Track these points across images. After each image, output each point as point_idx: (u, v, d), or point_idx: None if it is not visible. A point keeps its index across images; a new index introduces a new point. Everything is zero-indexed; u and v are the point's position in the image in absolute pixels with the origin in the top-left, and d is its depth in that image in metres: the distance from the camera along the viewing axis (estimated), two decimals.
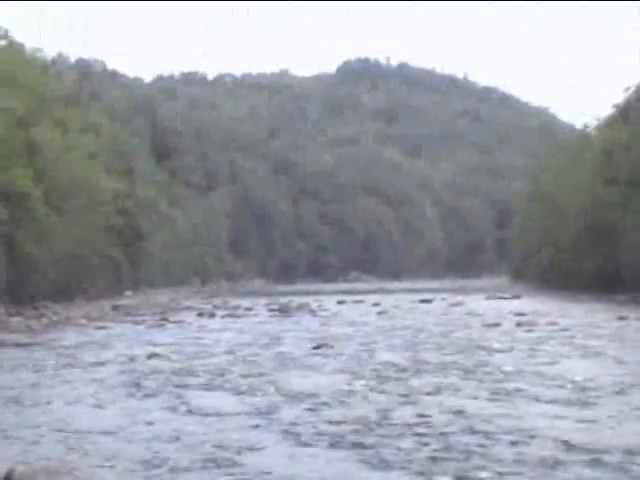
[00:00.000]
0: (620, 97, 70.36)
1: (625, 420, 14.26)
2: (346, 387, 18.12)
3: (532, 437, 12.72)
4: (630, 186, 58.83)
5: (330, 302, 61.74)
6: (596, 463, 11.11)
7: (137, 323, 42.30)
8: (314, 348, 27.03)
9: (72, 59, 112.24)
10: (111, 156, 76.55)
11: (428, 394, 17.06)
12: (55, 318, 44.12)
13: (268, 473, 10.64)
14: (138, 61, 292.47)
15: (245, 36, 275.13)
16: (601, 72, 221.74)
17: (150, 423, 14.19)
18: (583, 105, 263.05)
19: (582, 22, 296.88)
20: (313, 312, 49.75)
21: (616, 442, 12.33)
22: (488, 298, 67.73)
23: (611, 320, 39.36)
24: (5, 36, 59.10)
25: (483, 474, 10.48)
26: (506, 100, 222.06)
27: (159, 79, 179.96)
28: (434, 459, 11.34)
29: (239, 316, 47.10)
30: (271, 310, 51.78)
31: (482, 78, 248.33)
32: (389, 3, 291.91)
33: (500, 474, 10.49)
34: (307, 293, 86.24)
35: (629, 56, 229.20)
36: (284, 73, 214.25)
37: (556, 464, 11.06)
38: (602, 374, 19.99)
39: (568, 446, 12.07)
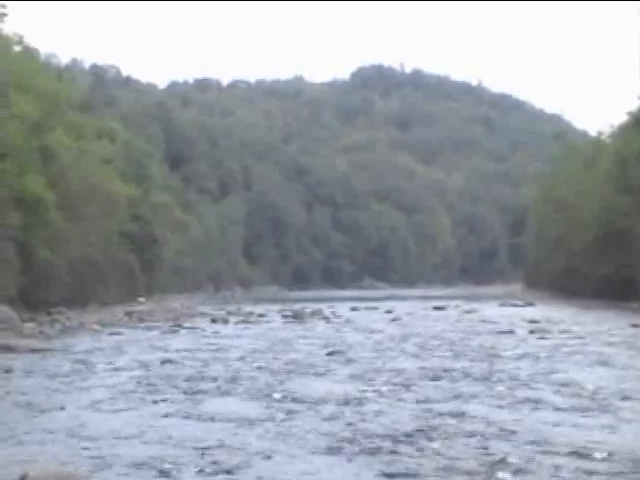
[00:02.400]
0: (634, 104, 70.22)
1: (637, 425, 14.24)
2: (359, 394, 18.11)
3: (548, 443, 12.70)
4: None
5: (343, 309, 61.71)
6: (612, 470, 11.09)
7: (150, 329, 42.34)
8: (327, 355, 27.02)
9: (86, 65, 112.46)
10: (125, 162, 76.72)
11: (441, 401, 17.03)
12: (68, 324, 44.22)
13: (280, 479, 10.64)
14: (152, 67, 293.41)
15: (259, 42, 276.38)
16: (616, 79, 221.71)
17: (163, 428, 14.20)
18: (597, 112, 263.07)
19: (597, 28, 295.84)
20: (326, 319, 49.70)
21: (633, 448, 12.31)
22: (501, 305, 67.72)
23: (624, 327, 39.28)
24: (20, 42, 59.23)
25: (497, 476, 10.47)
26: (520, 106, 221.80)
27: (173, 85, 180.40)
28: (449, 467, 11.32)
29: (252, 322, 47.09)
30: (284, 317, 51.78)
31: (496, 84, 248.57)
32: (403, 9, 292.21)
33: (513, 478, 10.48)
34: (320, 300, 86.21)
35: None
36: (298, 79, 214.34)
37: (572, 471, 11.04)
38: (615, 381, 19.95)
39: (585, 453, 12.05)
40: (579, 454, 12.00)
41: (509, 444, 12.73)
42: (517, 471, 11.10)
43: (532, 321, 43.83)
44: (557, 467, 11.29)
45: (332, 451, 12.38)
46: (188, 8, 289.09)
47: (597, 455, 11.95)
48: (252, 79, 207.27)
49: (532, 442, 12.89)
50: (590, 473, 10.97)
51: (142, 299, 72.53)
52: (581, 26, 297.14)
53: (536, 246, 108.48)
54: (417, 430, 13.89)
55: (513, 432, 13.66)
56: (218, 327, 43.73)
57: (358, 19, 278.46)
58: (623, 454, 12.00)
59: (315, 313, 54.54)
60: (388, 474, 11.02)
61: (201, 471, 11.08)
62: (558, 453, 12.10)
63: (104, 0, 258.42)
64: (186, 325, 44.66)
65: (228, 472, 11.07)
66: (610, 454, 12.00)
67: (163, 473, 11.02)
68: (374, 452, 12.27)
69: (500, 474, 10.94)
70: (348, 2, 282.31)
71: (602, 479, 10.69)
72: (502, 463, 11.40)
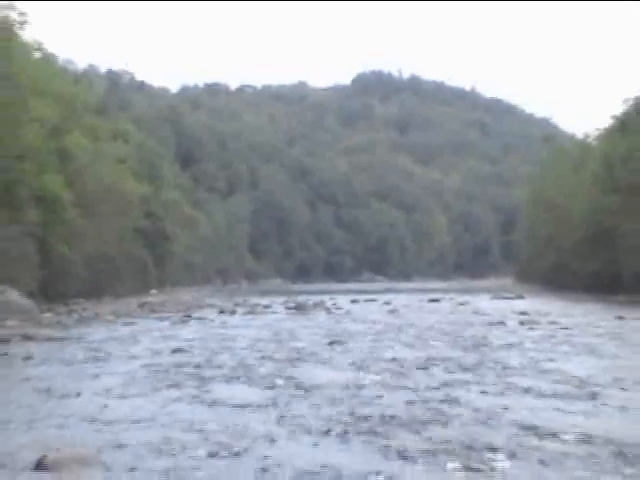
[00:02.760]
0: (619, 108, 70.22)
1: (624, 413, 14.24)
2: (358, 381, 18.12)
3: (537, 429, 12.70)
4: (629, 194, 58.72)
5: (344, 301, 61.77)
6: (597, 453, 11.10)
7: (162, 319, 42.36)
8: (328, 344, 27.03)
9: (102, 70, 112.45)
10: (138, 162, 76.79)
11: (436, 388, 17.05)
12: (85, 314, 44.26)
13: (283, 462, 10.65)
14: (164, 72, 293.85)
15: (265, 49, 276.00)
16: (601, 84, 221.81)
17: (173, 413, 14.22)
18: (584, 115, 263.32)
19: (583, 36, 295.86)
20: (328, 310, 49.74)
21: (617, 433, 12.31)
22: (493, 298, 67.69)
23: (610, 320, 39.28)
24: (39, 48, 59.24)
25: (490, 464, 10.48)
26: (511, 111, 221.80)
27: (184, 90, 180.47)
28: (442, 450, 11.33)
29: (258, 313, 47.13)
30: (288, 308, 51.82)
31: (489, 90, 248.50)
32: (401, 17, 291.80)
33: (506, 465, 10.49)
34: (322, 292, 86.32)
35: (630, 68, 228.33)
36: (302, 85, 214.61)
37: (559, 454, 11.05)
38: (601, 370, 19.96)
39: (570, 437, 12.06)
40: (564, 439, 12.01)
41: (498, 428, 12.76)
42: (504, 454, 11.13)
43: (522, 313, 43.84)
44: (543, 451, 11.31)
45: (332, 434, 12.40)
46: (199, 17, 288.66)
47: (581, 439, 11.97)
48: (259, 84, 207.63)
49: (520, 427, 12.90)
50: (574, 456, 10.99)
51: (154, 291, 72.63)
52: (568, 34, 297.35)
53: (527, 243, 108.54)
54: (411, 415, 13.92)
55: (502, 417, 13.69)
56: (226, 318, 43.76)
57: (359, 27, 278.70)
58: (606, 438, 12.01)
59: (317, 305, 54.61)
60: (384, 455, 11.05)
61: (208, 453, 11.10)
62: (544, 437, 12.12)
63: (118, 0, 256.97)
64: (195, 316, 44.71)
65: (234, 454, 11.08)
66: (594, 439, 12.02)
67: (172, 455, 11.03)
68: (371, 435, 12.29)
69: (488, 456, 10.97)
70: (350, 11, 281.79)
71: (585, 462, 10.69)
72: (490, 446, 11.43)
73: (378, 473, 10.02)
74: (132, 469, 10.24)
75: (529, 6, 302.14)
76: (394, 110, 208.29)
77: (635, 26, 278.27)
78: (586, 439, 12.01)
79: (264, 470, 10.21)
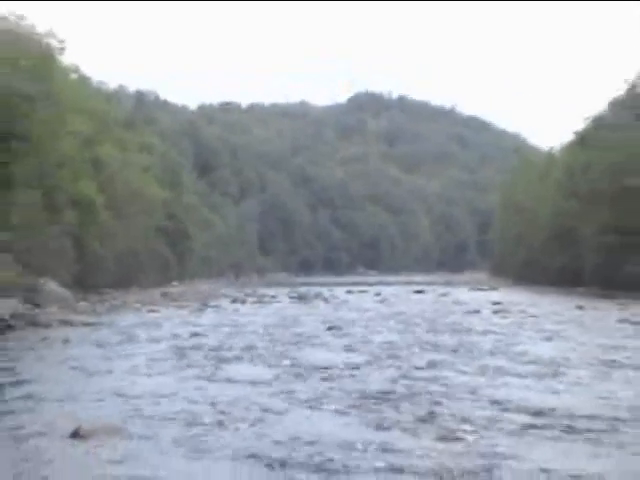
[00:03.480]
0: (580, 125, 70.38)
1: (583, 389, 14.27)
2: (353, 361, 18.14)
3: (504, 403, 12.74)
4: (587, 200, 58.82)
5: (340, 292, 61.75)
6: (560, 424, 11.13)
7: (182, 308, 42.34)
8: (327, 329, 27.03)
9: (130, 90, 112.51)
10: (161, 170, 76.71)
11: (420, 368, 17.07)
12: (114, 303, 44.26)
13: (288, 431, 10.68)
14: (184, 92, 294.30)
15: (272, 72, 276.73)
16: (566, 103, 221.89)
17: (191, 389, 14.24)
18: (550, 131, 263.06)
19: (549, 62, 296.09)
20: (326, 300, 49.68)
21: (577, 408, 12.34)
22: (470, 290, 67.66)
23: (572, 309, 39.29)
24: (76, 70, 59.31)
25: (466, 435, 10.51)
26: (486, 127, 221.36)
27: (201, 107, 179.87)
28: (425, 421, 11.37)
29: (266, 303, 47.10)
30: (292, 298, 51.80)
31: (467, 108, 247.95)
32: (391, 45, 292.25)
33: (480, 435, 10.52)
34: (322, 284, 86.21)
35: (590, 89, 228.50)
36: (304, 103, 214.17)
37: (525, 426, 11.08)
38: (563, 352, 19.98)
39: (537, 411, 12.09)
40: (533, 412, 12.04)
41: (474, 403, 12.79)
42: (478, 425, 11.17)
43: (495, 303, 43.80)
44: (513, 423, 11.35)
45: (330, 407, 12.42)
46: (215, 44, 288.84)
47: (544, 413, 12.00)
48: (266, 102, 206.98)
49: (493, 402, 12.93)
50: (541, 427, 11.02)
51: (175, 283, 72.56)
52: (535, 62, 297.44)
53: (500, 242, 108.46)
54: (399, 391, 13.94)
55: (477, 393, 13.71)
56: (237, 306, 43.76)
57: (354, 54, 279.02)
58: (569, 411, 12.04)
59: (317, 295, 54.57)
60: (376, 426, 11.07)
61: (222, 425, 11.13)
62: (514, 411, 12.14)
63: (145, 31, 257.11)
64: (211, 304, 44.69)
65: (245, 425, 11.12)
66: (558, 412, 12.04)
67: (191, 426, 11.07)
68: (364, 408, 12.32)
69: (465, 427, 11.01)
70: (346, 39, 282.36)
71: (552, 433, 10.73)
72: (467, 419, 11.46)
73: (366, 441, 10.06)
74: (155, 438, 10.27)
75: (504, 39, 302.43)
76: (384, 125, 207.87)
77: (594, 52, 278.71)
78: (548, 412, 12.03)
79: (269, 438, 10.26)
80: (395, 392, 13.84)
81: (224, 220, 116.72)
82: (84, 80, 63.14)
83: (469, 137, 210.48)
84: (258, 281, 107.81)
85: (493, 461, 9.06)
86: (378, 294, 57.67)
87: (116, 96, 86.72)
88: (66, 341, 23.26)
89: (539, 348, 21.18)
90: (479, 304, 43.39)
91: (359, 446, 9.76)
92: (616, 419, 11.58)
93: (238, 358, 18.97)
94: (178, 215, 77.75)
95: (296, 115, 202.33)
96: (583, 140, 67.09)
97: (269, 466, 8.90)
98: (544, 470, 8.69)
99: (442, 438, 10.32)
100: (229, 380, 15.44)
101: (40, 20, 49.37)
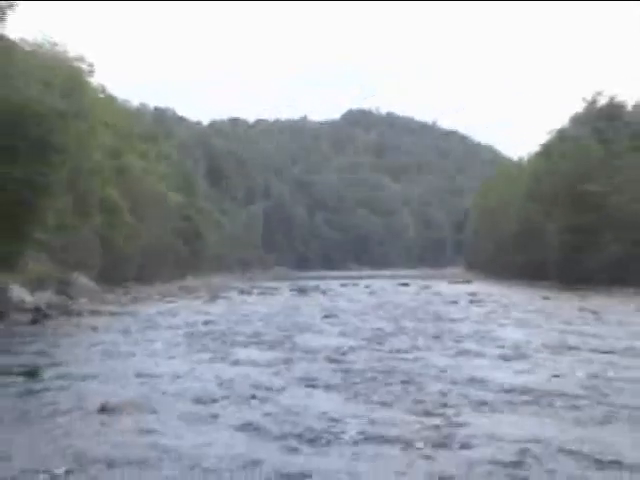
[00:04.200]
0: (545, 138, 70.63)
1: (546, 369, 14.31)
2: (345, 345, 18.17)
3: (480, 382, 12.78)
4: (550, 202, 58.94)
5: (335, 285, 61.79)
6: (527, 400, 11.19)
7: (196, 298, 42.39)
8: (323, 317, 27.08)
9: (151, 107, 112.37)
10: (177, 178, 76.65)
11: (405, 351, 17.11)
12: (137, 295, 44.30)
13: (289, 407, 10.72)
14: (198, 108, 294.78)
15: (275, 92, 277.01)
16: (534, 118, 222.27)
17: (204, 370, 14.28)
18: (520, 143, 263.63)
19: (518, 82, 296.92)
20: (323, 292, 49.72)
21: (542, 385, 12.39)
22: (449, 283, 67.75)
23: (538, 299, 39.38)
24: (103, 90, 59.31)
25: (444, 409, 10.56)
26: (463, 140, 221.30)
27: (213, 122, 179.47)
28: (407, 397, 11.41)
29: (269, 294, 47.15)
30: (292, 290, 51.80)
31: (446, 123, 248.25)
32: (379, 68, 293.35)
33: (456, 410, 10.56)
34: (318, 278, 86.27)
35: (554, 106, 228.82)
36: (303, 119, 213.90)
37: (498, 402, 11.13)
38: (530, 337, 20.03)
39: (506, 389, 12.14)
40: (504, 390, 12.08)
41: (452, 382, 12.83)
42: (455, 401, 11.22)
43: (471, 294, 43.86)
44: (485, 398, 11.39)
45: (327, 386, 12.45)
46: (226, 68, 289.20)
47: (515, 389, 12.05)
48: (270, 118, 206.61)
49: (468, 380, 12.98)
50: (511, 403, 11.07)
51: (190, 277, 72.51)
52: (506, 80, 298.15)
53: (474, 240, 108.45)
54: (385, 371, 13.98)
55: (456, 373, 13.75)
56: (244, 297, 43.81)
57: (348, 76, 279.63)
58: (534, 388, 12.09)
59: (314, 288, 54.58)
60: (363, 401, 11.11)
61: (231, 401, 11.17)
62: (486, 388, 12.19)
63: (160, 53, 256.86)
64: (222, 296, 44.72)
65: (251, 401, 11.16)
66: (527, 389, 12.10)
67: (203, 402, 11.10)
68: (354, 386, 12.35)
69: (442, 402, 11.05)
70: (341, 63, 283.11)
71: (521, 407, 10.78)
72: (450, 399, 11.49)
73: (353, 414, 10.10)
74: (172, 412, 10.31)
75: (480, 64, 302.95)
76: (373, 138, 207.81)
77: (557, 73, 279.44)
78: (515, 389, 12.07)
79: (269, 412, 10.30)
80: (381, 372, 13.88)
81: (233, 222, 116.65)
82: (110, 98, 63.06)
83: (448, 149, 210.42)
84: (262, 275, 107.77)
85: (466, 431, 9.11)
86: (368, 287, 57.73)
87: (138, 112, 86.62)
88: (95, 328, 23.29)
89: (509, 333, 21.24)
90: (456, 295, 43.46)
91: (347, 419, 9.81)
92: (573, 395, 11.65)
93: (244, 342, 19.01)
94: (192, 217, 77.69)
95: (296, 129, 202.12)
96: (547, 151, 67.33)
97: (268, 435, 8.97)
98: (509, 439, 8.74)
99: (421, 412, 10.37)
100: (236, 362, 15.48)
101: (71, 44, 49.53)
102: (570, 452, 8.23)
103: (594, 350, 17.35)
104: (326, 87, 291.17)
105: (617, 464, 7.80)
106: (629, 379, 13.25)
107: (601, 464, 7.81)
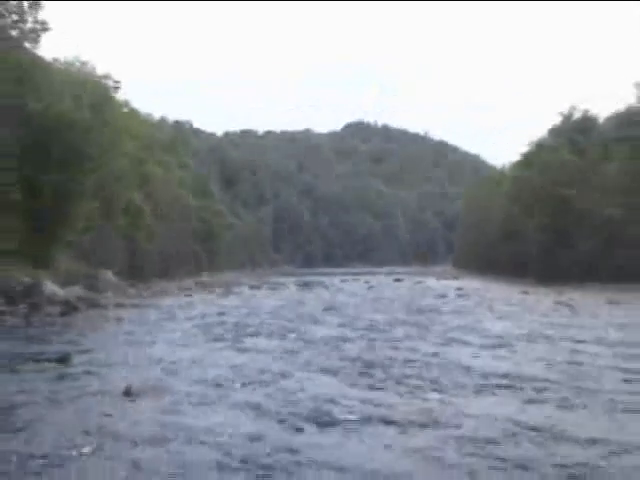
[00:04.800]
0: (525, 148, 70.51)
1: (526, 356, 14.35)
2: (344, 335, 18.21)
3: (466, 368, 12.81)
4: (530, 206, 58.98)
5: (336, 280, 61.82)
6: (506, 384, 11.22)
7: (211, 293, 42.43)
8: (325, 310, 27.10)
9: (170, 120, 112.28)
10: (194, 184, 76.70)
11: (398, 340, 17.14)
12: (157, 289, 44.34)
13: (292, 389, 10.76)
14: (213, 121, 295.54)
15: (283, 106, 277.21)
16: (515, 130, 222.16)
17: (217, 356, 14.33)
18: (503, 152, 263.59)
19: (501, 95, 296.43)
20: (325, 287, 49.75)
21: (521, 371, 12.42)
22: (439, 279, 67.78)
23: (518, 294, 39.38)
24: (127, 104, 59.27)
25: (432, 392, 10.60)
26: (453, 150, 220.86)
27: (226, 134, 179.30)
28: (400, 382, 11.45)
29: (276, 289, 47.18)
30: (297, 285, 51.84)
31: (436, 134, 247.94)
32: (376, 84, 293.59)
33: (443, 392, 10.61)
34: (321, 275, 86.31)
35: (534, 119, 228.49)
36: (308, 130, 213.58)
37: (482, 386, 11.16)
38: (512, 328, 20.06)
39: (490, 374, 12.17)
40: (487, 375, 12.12)
41: (441, 369, 12.86)
42: (443, 384, 11.25)
43: (458, 289, 43.89)
44: (470, 383, 11.43)
45: (327, 371, 12.49)
46: (239, 85, 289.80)
47: (498, 375, 12.09)
48: (278, 130, 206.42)
49: (455, 366, 13.02)
50: (492, 386, 11.11)
51: (205, 274, 72.50)
52: (490, 95, 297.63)
53: (462, 240, 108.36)
54: (380, 358, 14.01)
55: (444, 361, 13.79)
56: (254, 292, 43.83)
57: (347, 92, 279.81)
58: (515, 374, 12.12)
59: (318, 283, 54.65)
60: (360, 385, 11.15)
61: (241, 384, 11.22)
62: (472, 374, 12.23)
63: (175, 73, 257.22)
64: (234, 290, 44.78)
65: (259, 385, 11.21)
66: (507, 375, 12.13)
67: (217, 385, 11.15)
68: (353, 372, 12.40)
69: (432, 386, 11.09)
70: (340, 79, 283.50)
71: (501, 390, 10.81)
72: (439, 384, 11.53)
73: (351, 396, 10.13)
74: (189, 394, 10.35)
75: (466, 80, 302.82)
76: (372, 148, 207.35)
77: (537, 87, 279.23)
78: (498, 374, 12.11)
79: (275, 394, 10.34)
80: (377, 358, 13.92)
81: (244, 223, 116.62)
82: (134, 112, 63.07)
83: (438, 158, 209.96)
84: (271, 272, 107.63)
85: (451, 411, 9.16)
86: (366, 282, 57.74)
87: (159, 125, 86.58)
88: (119, 319, 23.35)
89: (492, 324, 21.27)
90: (445, 290, 43.48)
91: (344, 401, 9.86)
92: (548, 380, 11.69)
93: (253, 332, 19.05)
94: (207, 219, 77.66)
95: (301, 140, 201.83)
96: (527, 160, 67.30)
97: (274, 415, 9.02)
98: (493, 418, 8.78)
99: (412, 394, 10.42)
100: (246, 349, 15.52)
101: (98, 61, 49.65)
102: (541, 429, 8.29)
103: (568, 339, 17.39)
104: (329, 103, 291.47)
105: (579, 440, 7.86)
106: (599, 365, 13.30)
107: (565, 439, 7.88)
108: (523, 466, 6.91)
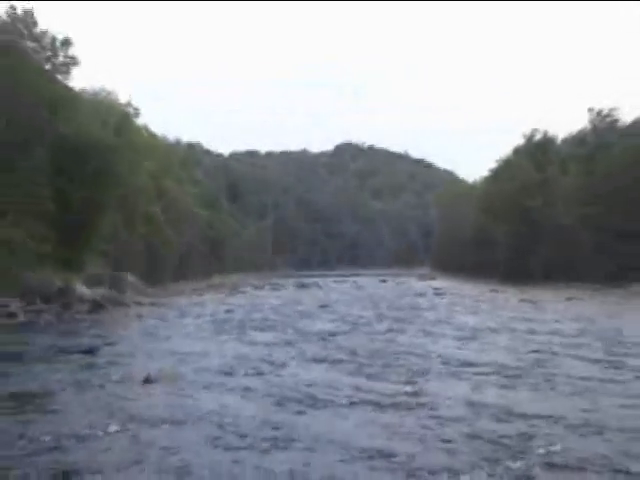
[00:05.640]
0: (493, 164, 70.84)
1: (495, 347, 14.37)
2: (337, 329, 18.22)
3: (444, 357, 12.81)
4: (497, 214, 59.25)
5: (329, 281, 61.79)
6: (478, 371, 11.23)
7: (220, 292, 42.36)
8: (319, 307, 27.10)
9: (184, 141, 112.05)
10: (205, 198, 76.64)
11: (383, 333, 17.15)
12: (173, 290, 44.26)
13: (291, 377, 10.75)
14: (221, 142, 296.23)
15: (283, 129, 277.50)
16: (483, 148, 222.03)
17: (226, 348, 14.30)
18: (475, 169, 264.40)
19: (470, 118, 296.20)
20: (320, 287, 49.76)
21: (490, 359, 12.44)
22: (418, 279, 67.86)
23: (487, 292, 39.43)
24: (146, 128, 59.31)
25: (413, 378, 10.60)
26: (429, 166, 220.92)
27: (233, 153, 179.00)
28: (385, 370, 11.45)
29: (277, 289, 47.16)
30: (295, 286, 51.84)
31: (414, 152, 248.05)
32: (363, 109, 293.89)
33: (423, 378, 10.61)
34: (316, 276, 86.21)
35: (503, 138, 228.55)
36: (304, 150, 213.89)
37: (457, 372, 11.17)
38: (482, 322, 20.09)
39: (464, 363, 12.18)
40: (461, 363, 12.13)
41: (422, 358, 12.86)
42: (424, 372, 11.25)
43: (436, 288, 43.91)
44: (448, 370, 11.44)
45: (320, 361, 12.49)
46: (244, 110, 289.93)
47: (471, 363, 12.10)
48: (278, 150, 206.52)
49: (434, 356, 13.02)
50: (466, 373, 11.12)
51: (215, 276, 72.38)
52: (461, 117, 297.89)
53: (438, 246, 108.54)
54: (368, 349, 14.00)
55: (424, 351, 13.79)
56: (258, 292, 43.77)
57: (339, 117, 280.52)
58: (486, 362, 12.14)
59: (313, 284, 54.64)
60: (352, 373, 11.15)
61: (246, 373, 11.20)
62: (448, 363, 12.23)
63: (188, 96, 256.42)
64: (240, 290, 44.72)
65: (263, 374, 11.19)
66: (479, 362, 12.14)
67: (225, 373, 11.14)
68: (346, 363, 12.39)
69: (414, 373, 11.08)
70: (334, 104, 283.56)
71: (474, 377, 10.82)
72: (419, 371, 11.53)
73: (343, 383, 10.13)
74: (201, 382, 10.34)
75: (439, 105, 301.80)
76: (359, 166, 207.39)
77: (501, 111, 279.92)
78: (471, 363, 12.14)
79: (277, 381, 10.33)
80: (364, 350, 13.90)
81: (248, 232, 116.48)
82: (153, 135, 63.08)
83: (416, 173, 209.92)
84: (272, 274, 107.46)
85: (436, 397, 9.16)
86: (355, 282, 57.78)
87: (173, 146, 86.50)
88: (140, 316, 23.32)
89: (465, 319, 21.29)
90: (424, 289, 43.53)
91: (337, 387, 9.85)
92: (514, 366, 11.72)
93: (257, 326, 19.04)
94: (216, 228, 77.58)
95: (298, 158, 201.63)
96: (495, 175, 67.74)
97: (275, 400, 9.01)
98: (469, 402, 8.79)
99: (395, 380, 10.42)
100: (250, 342, 15.51)
101: (121, 91, 49.73)
102: (507, 408, 8.32)
103: (532, 332, 17.42)
104: (322, 126, 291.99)
105: (539, 415, 7.91)
106: (558, 353, 13.33)
107: (528, 416, 7.90)
108: (492, 440, 6.93)
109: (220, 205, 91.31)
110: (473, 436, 7.17)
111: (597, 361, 12.43)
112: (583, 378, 10.61)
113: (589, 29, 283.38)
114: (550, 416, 7.98)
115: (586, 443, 6.92)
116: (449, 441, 6.98)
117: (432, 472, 6.01)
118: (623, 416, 8.05)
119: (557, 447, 6.73)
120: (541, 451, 6.61)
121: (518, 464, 6.21)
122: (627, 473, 6.02)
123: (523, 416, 8.04)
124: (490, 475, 5.92)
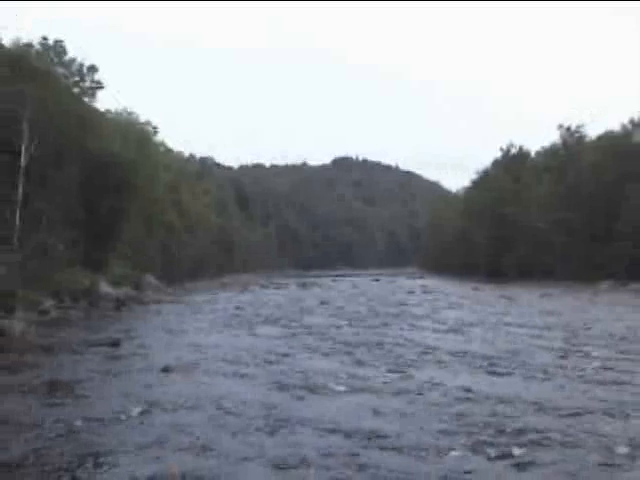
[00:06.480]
0: (474, 176, 70.96)
1: (478, 339, 14.39)
2: (335, 323, 18.23)
3: (430, 348, 12.85)
4: (478, 219, 59.30)
5: (328, 281, 61.82)
6: (462, 360, 11.25)
7: (231, 291, 42.32)
8: (320, 304, 27.11)
9: (197, 156, 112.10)
10: (216, 206, 76.67)
11: (376, 327, 17.17)
12: (189, 288, 44.22)
13: (295, 366, 10.77)
14: (230, 156, 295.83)
15: (285, 145, 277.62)
16: (465, 161, 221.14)
17: (235, 342, 14.31)
18: (457, 179, 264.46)
19: (453, 134, 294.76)
20: (319, 286, 49.73)
21: (475, 350, 12.46)
22: (407, 278, 67.84)
23: (470, 290, 39.46)
24: (163, 144, 59.37)
25: (404, 367, 10.62)
26: (417, 177, 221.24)
27: (241, 167, 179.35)
28: (379, 360, 11.47)
29: (281, 288, 47.12)
30: (298, 285, 51.80)
31: (403, 165, 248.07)
32: (355, 124, 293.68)
33: (413, 367, 10.63)
34: (316, 276, 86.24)
35: (482, 152, 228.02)
36: (304, 163, 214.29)
37: (444, 362, 11.20)
38: (465, 317, 20.11)
39: (449, 352, 12.21)
40: (447, 353, 12.15)
41: (411, 349, 12.89)
42: (413, 362, 11.28)
43: (423, 286, 43.98)
44: (436, 360, 11.46)
45: (321, 352, 12.51)
46: (250, 128, 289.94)
47: (457, 353, 12.12)
48: (281, 163, 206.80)
49: (423, 347, 13.04)
50: (452, 362, 11.14)
51: (226, 276, 72.29)
52: (443, 131, 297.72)
53: (425, 247, 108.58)
54: (363, 341, 14.02)
55: (413, 343, 13.81)
56: (264, 290, 43.71)
57: (334, 132, 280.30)
58: (469, 352, 12.13)
59: (313, 283, 54.61)
60: (349, 363, 11.16)
61: (254, 363, 11.21)
62: (437, 354, 12.25)
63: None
64: (248, 289, 44.71)
65: (268, 363, 11.21)
66: (463, 353, 12.16)
67: (235, 364, 11.15)
68: (341, 352, 12.41)
69: (405, 363, 11.11)
70: (330, 119, 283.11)
71: (458, 365, 10.85)
72: (408, 360, 11.56)
73: (341, 372, 10.16)
74: (214, 371, 10.36)
75: (425, 120, 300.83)
76: (354, 177, 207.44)
77: (481, 126, 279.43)
78: (457, 353, 12.16)
79: (281, 370, 10.36)
80: (360, 342, 13.93)
81: (255, 236, 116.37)
82: (169, 150, 63.10)
83: (405, 184, 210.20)
84: (277, 275, 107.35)
85: (423, 384, 9.19)
86: (351, 281, 57.79)
87: (188, 160, 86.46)
88: (159, 312, 23.32)
89: (450, 313, 21.32)
90: (413, 287, 43.54)
91: (336, 375, 9.88)
92: (494, 356, 11.74)
93: (264, 322, 19.04)
94: (227, 233, 77.64)
95: (300, 171, 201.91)
96: (476, 185, 67.95)
97: (280, 387, 9.03)
98: (453, 387, 8.82)
99: (389, 369, 10.44)
100: (258, 335, 15.52)
101: (141, 111, 49.76)
102: (487, 394, 8.34)
103: (509, 325, 17.46)
104: (320, 141, 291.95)
105: (516, 400, 7.92)
106: (534, 345, 13.36)
107: (505, 401, 7.92)
108: (474, 421, 6.96)
109: (230, 212, 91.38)
110: (457, 417, 7.20)
111: (564, 350, 12.48)
112: (553, 365, 10.66)
113: (557, 51, 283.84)
114: (524, 398, 8.02)
115: (557, 422, 6.95)
116: (435, 422, 7.01)
117: (418, 449, 6.04)
118: (587, 398, 8.08)
119: (531, 426, 6.77)
120: (518, 429, 6.65)
121: (498, 441, 6.25)
122: (590, 448, 6.05)
123: (500, 399, 8.08)
124: (474, 452, 5.95)
